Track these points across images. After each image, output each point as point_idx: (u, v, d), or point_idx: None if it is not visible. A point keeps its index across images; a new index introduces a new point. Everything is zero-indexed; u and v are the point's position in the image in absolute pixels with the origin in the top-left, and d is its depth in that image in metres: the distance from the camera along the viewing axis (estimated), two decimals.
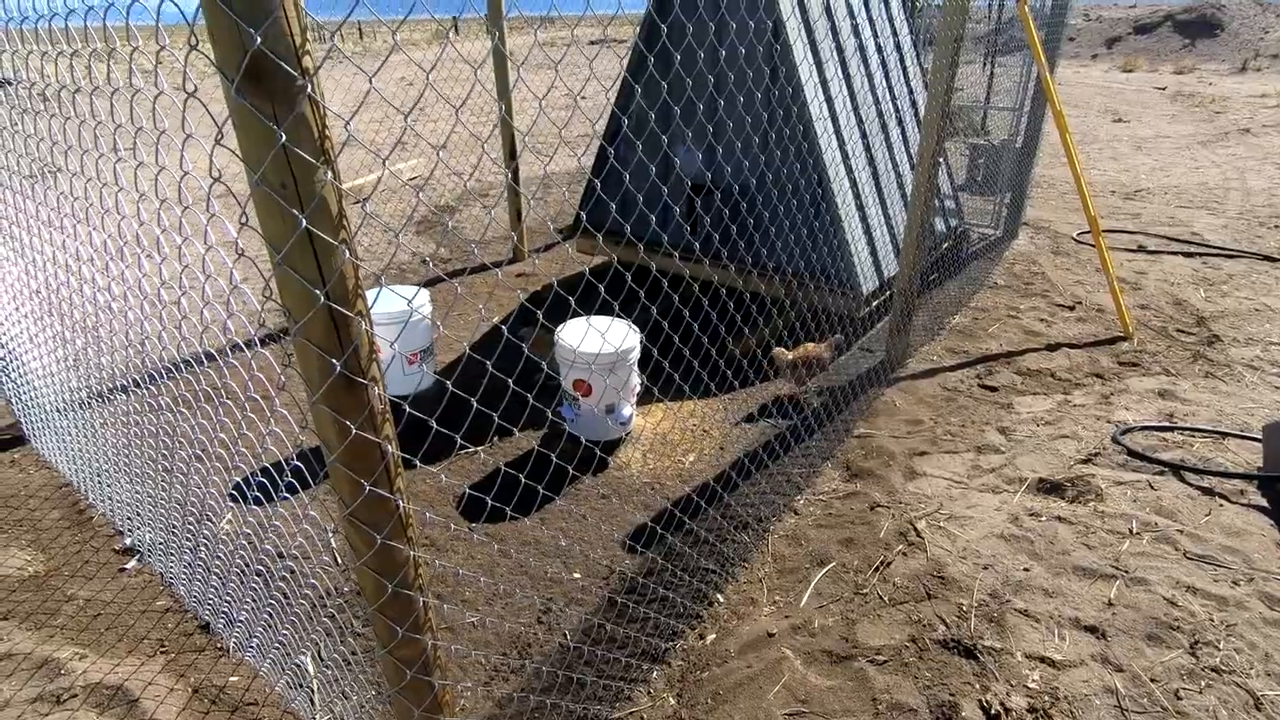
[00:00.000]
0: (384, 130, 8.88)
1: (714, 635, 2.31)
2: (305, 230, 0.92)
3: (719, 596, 2.46)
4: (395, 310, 3.07)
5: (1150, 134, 10.91)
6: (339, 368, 1.00)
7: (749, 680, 2.08)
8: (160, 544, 2.53)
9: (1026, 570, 2.35)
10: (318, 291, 0.95)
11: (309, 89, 0.87)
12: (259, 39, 0.80)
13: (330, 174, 0.93)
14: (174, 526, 2.32)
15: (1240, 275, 5.16)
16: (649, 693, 2.12)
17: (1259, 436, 2.95)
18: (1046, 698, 1.90)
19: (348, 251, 0.98)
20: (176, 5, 0.83)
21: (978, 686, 1.95)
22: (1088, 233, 5.84)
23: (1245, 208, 6.85)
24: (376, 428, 1.09)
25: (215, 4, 0.80)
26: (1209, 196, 7.31)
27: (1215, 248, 5.72)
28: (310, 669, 2.15)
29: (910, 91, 5.17)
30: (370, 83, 0.95)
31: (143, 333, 1.49)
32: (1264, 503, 2.64)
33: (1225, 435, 3.07)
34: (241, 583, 2.00)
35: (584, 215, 5.09)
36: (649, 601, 2.42)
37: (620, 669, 2.17)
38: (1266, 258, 5.46)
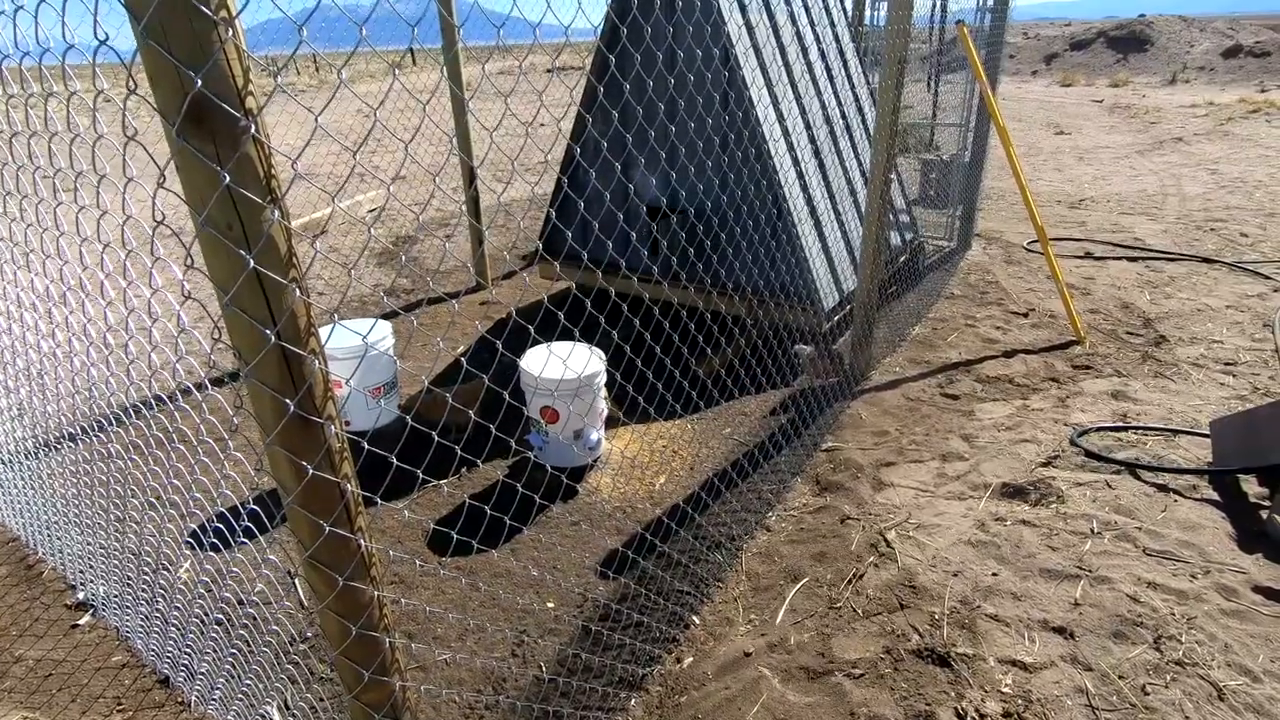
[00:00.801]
0: (341, 162, 8.82)
1: (691, 658, 2.30)
2: (254, 270, 0.91)
3: (695, 618, 2.45)
4: (355, 345, 3.03)
5: (1091, 145, 11.36)
6: (293, 407, 0.99)
7: (728, 702, 2.07)
8: (115, 597, 2.44)
9: (995, 575, 2.39)
10: (268, 332, 0.94)
11: (253, 129, 0.86)
12: (199, 81, 0.80)
13: (278, 213, 0.92)
14: (129, 578, 2.23)
15: (1182, 277, 5.37)
16: None
17: (1207, 432, 3.06)
18: (1020, 701, 1.92)
19: (298, 290, 0.97)
20: (113, 49, 0.82)
21: (953, 694, 1.96)
22: (1037, 241, 6.04)
23: (1182, 212, 7.15)
24: (334, 467, 1.08)
25: (153, 47, 0.79)
26: (1149, 203, 7.62)
27: (1157, 252, 5.95)
28: (277, 718, 2.07)
29: (860, 110, 5.32)
30: (316, 121, 0.95)
31: (90, 379, 1.45)
32: (1215, 496, 2.73)
33: (1176, 432, 3.18)
34: (202, 633, 1.93)
35: (544, 242, 5.10)
36: (624, 628, 2.40)
37: (598, 699, 2.14)
38: (1205, 260, 5.69)
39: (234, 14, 0.83)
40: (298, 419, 1.01)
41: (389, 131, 0.97)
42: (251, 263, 0.90)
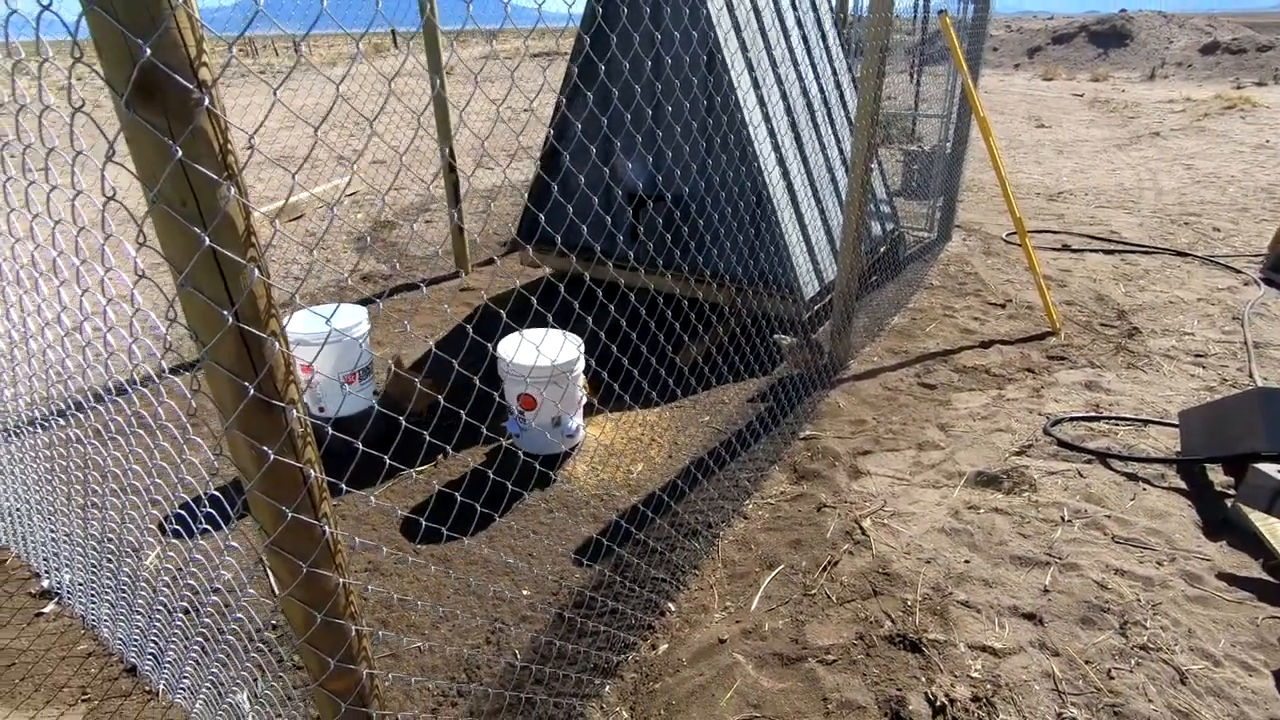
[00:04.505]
0: (322, 147, 8.67)
1: (666, 645, 2.30)
2: (209, 248, 0.88)
3: (670, 605, 2.45)
4: (322, 330, 2.98)
5: (1070, 138, 11.46)
6: (253, 391, 0.96)
7: (701, 688, 2.07)
8: (81, 585, 2.39)
9: (967, 562, 2.41)
10: (226, 313, 0.91)
11: (206, 102, 0.83)
12: (148, 50, 0.77)
13: (235, 190, 0.89)
14: (95, 565, 2.19)
15: (1156, 270, 5.44)
16: (602, 708, 2.09)
17: (1176, 423, 3.11)
18: (989, 686, 1.94)
19: (258, 270, 0.94)
20: (57, 15, 0.79)
21: (923, 679, 1.98)
22: (1016, 233, 6.10)
23: (1158, 206, 7.25)
24: (297, 452, 1.05)
25: (99, 14, 0.76)
26: (1125, 196, 7.71)
27: (1133, 245, 6.03)
28: (246, 707, 2.05)
29: (843, 98, 5.31)
30: (275, 96, 0.92)
31: (47, 361, 1.41)
32: (1183, 485, 2.78)
33: (1146, 423, 3.22)
34: (168, 621, 1.90)
35: (522, 228, 5.06)
36: (600, 615, 2.39)
37: (572, 685, 2.14)
38: (1178, 253, 5.78)
39: None
40: (258, 402, 0.98)
41: (357, 111, 0.94)
42: (207, 240, 0.87)
